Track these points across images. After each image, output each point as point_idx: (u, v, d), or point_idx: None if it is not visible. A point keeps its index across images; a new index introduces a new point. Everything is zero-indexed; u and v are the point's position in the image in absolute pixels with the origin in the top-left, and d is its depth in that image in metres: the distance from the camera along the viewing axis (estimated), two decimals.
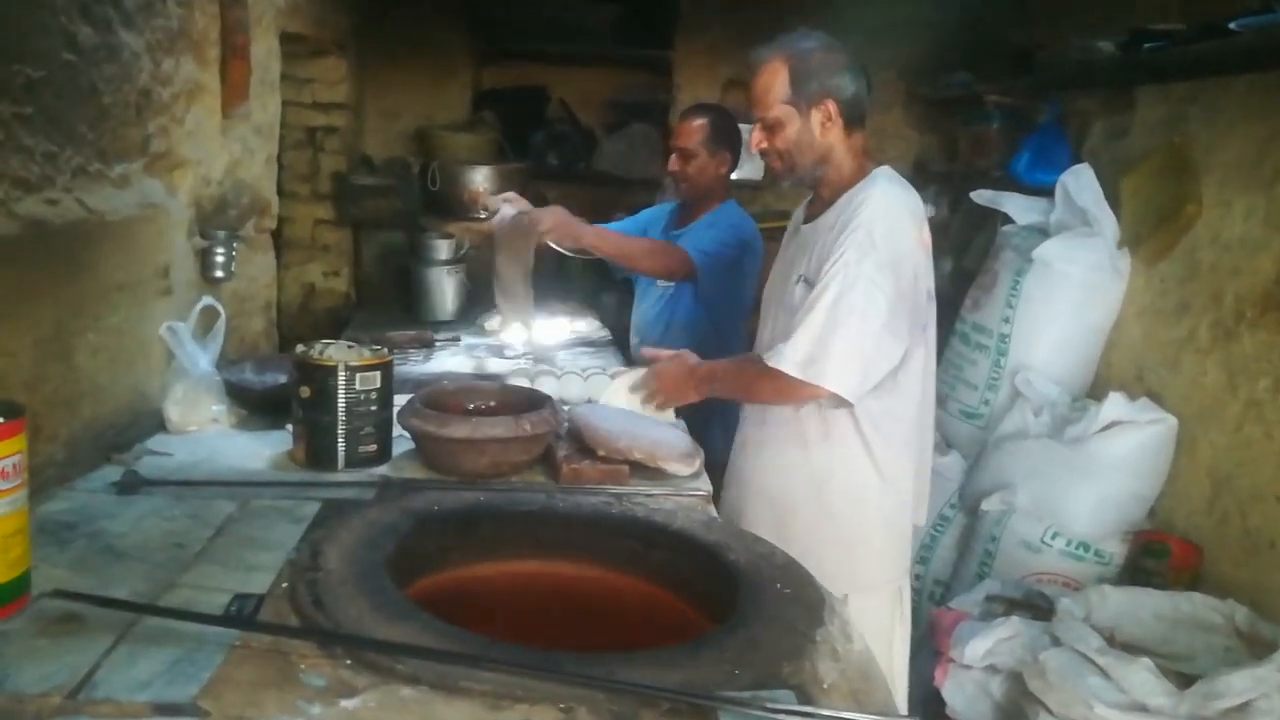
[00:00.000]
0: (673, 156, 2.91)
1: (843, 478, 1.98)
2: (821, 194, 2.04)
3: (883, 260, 1.84)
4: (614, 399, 2.14)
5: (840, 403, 1.90)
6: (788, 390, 1.90)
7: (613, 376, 2.28)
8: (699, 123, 2.88)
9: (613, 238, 2.84)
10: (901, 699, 2.06)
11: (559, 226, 2.71)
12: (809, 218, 2.06)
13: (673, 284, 2.88)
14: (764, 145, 1.99)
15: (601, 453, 1.82)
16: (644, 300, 3.04)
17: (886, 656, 1.96)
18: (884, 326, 1.85)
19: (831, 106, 1.94)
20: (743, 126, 3.31)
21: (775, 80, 1.95)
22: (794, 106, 1.95)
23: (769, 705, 1.09)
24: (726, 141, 2.90)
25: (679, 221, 3.00)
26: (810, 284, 1.91)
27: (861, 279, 1.83)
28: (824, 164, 1.98)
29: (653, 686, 1.09)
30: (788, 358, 1.86)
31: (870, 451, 1.96)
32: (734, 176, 4.44)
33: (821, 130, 1.95)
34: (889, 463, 1.99)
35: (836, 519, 1.99)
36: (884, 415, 1.95)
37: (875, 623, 1.97)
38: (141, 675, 1.07)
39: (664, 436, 1.90)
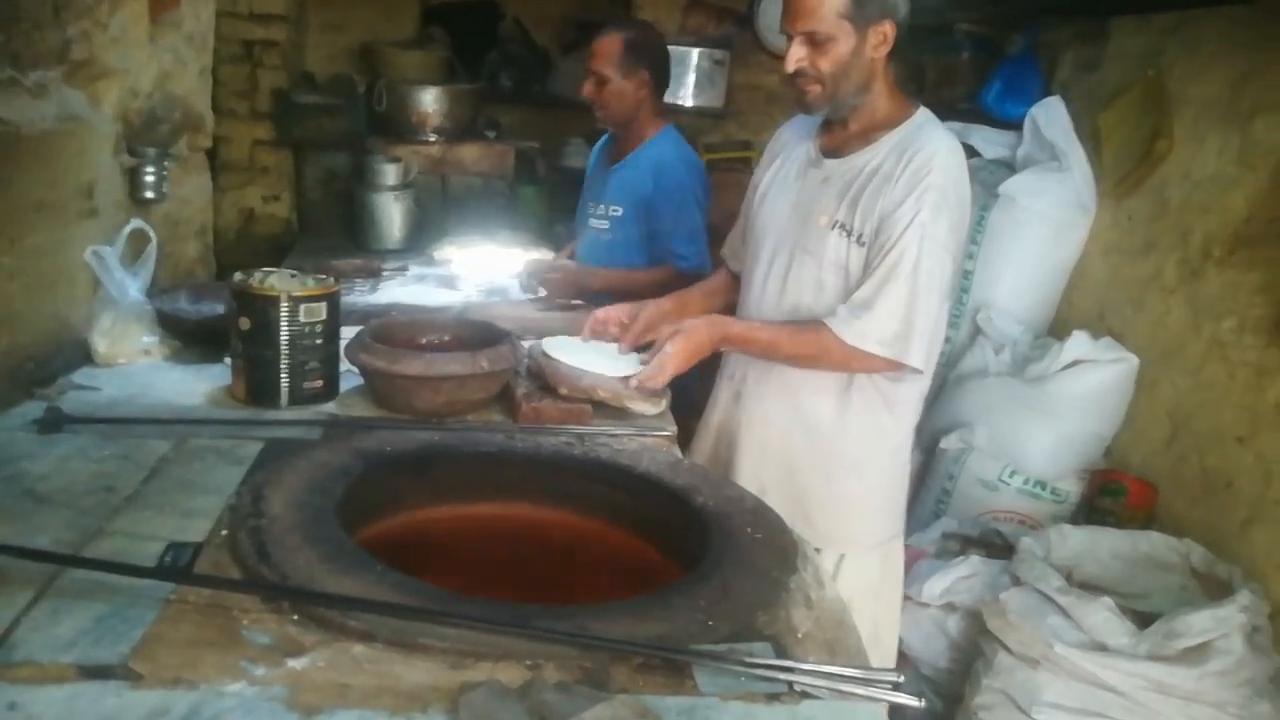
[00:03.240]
0: (587, 82, 2.67)
1: (857, 436, 1.86)
2: (848, 126, 1.84)
3: (954, 222, 1.74)
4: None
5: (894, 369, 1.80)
6: (861, 363, 1.76)
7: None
8: (610, 41, 2.62)
9: (617, 277, 2.65)
10: (891, 656, 2.03)
11: (566, 287, 2.64)
12: (830, 151, 1.86)
13: (608, 221, 2.73)
14: (803, 64, 1.74)
15: (564, 391, 1.74)
16: (584, 238, 2.86)
17: (874, 612, 1.92)
18: (949, 291, 1.79)
19: (889, 28, 1.74)
20: (671, 48, 3.08)
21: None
22: (851, 23, 1.71)
23: (747, 659, 1.04)
24: (645, 59, 2.62)
25: (614, 155, 2.79)
26: (850, 232, 1.76)
27: (936, 244, 1.71)
28: (865, 92, 1.78)
29: (625, 642, 1.03)
30: (872, 335, 1.71)
31: (892, 411, 1.86)
32: (690, 104, 4.37)
33: (873, 54, 1.75)
34: (904, 422, 1.91)
35: (845, 478, 1.88)
36: (907, 376, 1.83)
37: (868, 580, 1.92)
38: (65, 634, 0.99)
39: (629, 374, 1.82)
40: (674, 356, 1.75)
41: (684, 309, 2.00)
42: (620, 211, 2.71)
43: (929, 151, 1.74)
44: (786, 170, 1.93)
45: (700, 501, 1.43)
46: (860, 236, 1.76)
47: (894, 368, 1.76)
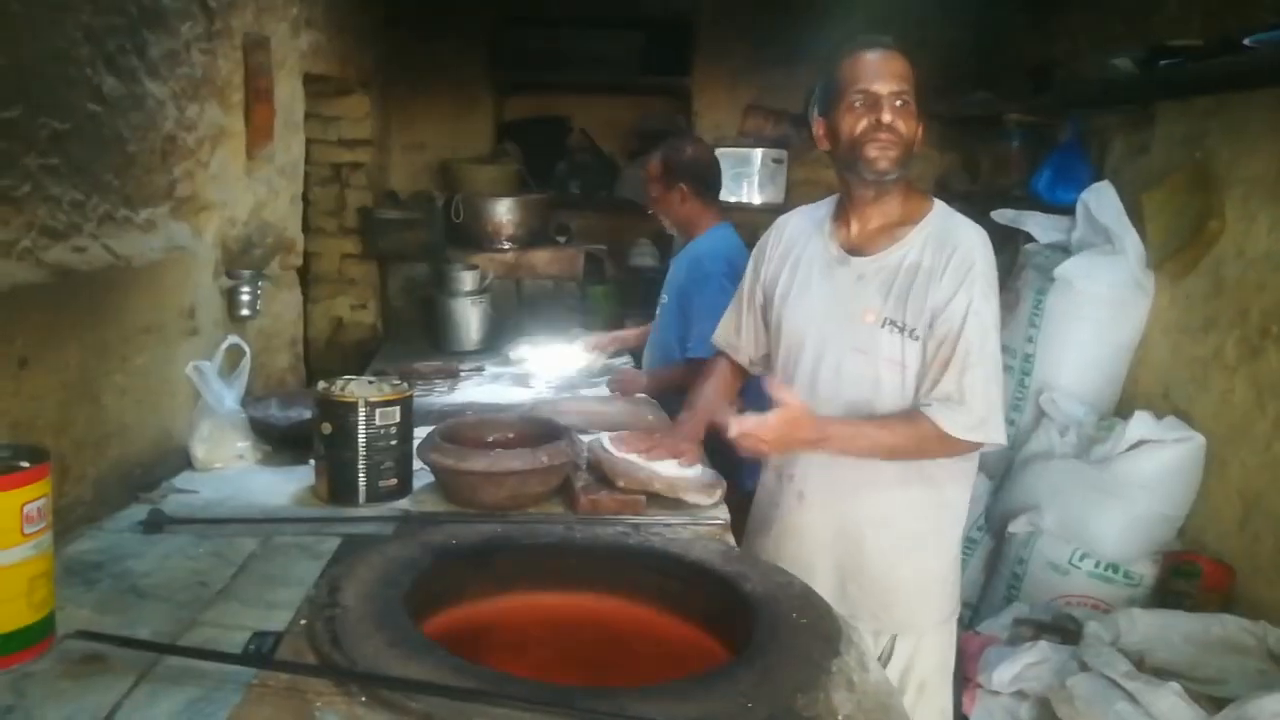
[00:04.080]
0: (647, 200, 3.07)
1: (921, 516, 1.89)
2: (866, 224, 1.89)
3: (996, 302, 1.82)
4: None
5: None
6: (955, 449, 1.80)
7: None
8: (653, 164, 2.98)
9: (659, 376, 2.94)
10: None
11: (627, 389, 2.88)
12: (854, 249, 1.89)
13: (660, 310, 3.03)
14: (895, 122, 1.78)
15: (622, 484, 1.83)
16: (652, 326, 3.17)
17: (945, 690, 1.94)
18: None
19: (922, 128, 1.84)
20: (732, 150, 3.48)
21: (908, 68, 1.80)
22: (917, 104, 1.81)
23: None
24: (679, 173, 2.91)
25: (675, 251, 3.15)
26: (902, 328, 1.80)
27: (991, 327, 1.79)
28: (906, 172, 1.84)
29: None
30: (965, 424, 1.75)
31: (947, 486, 1.90)
32: (756, 201, 4.52)
33: (917, 146, 1.83)
34: (960, 498, 1.95)
35: (917, 559, 1.90)
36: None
37: (941, 658, 1.95)
38: (161, 715, 1.09)
39: (684, 468, 1.90)
40: (774, 437, 1.73)
41: (701, 422, 2.07)
42: (666, 300, 2.97)
43: (968, 243, 1.81)
44: (807, 269, 1.95)
45: (749, 588, 1.48)
46: (913, 331, 1.80)
47: (979, 448, 1.81)
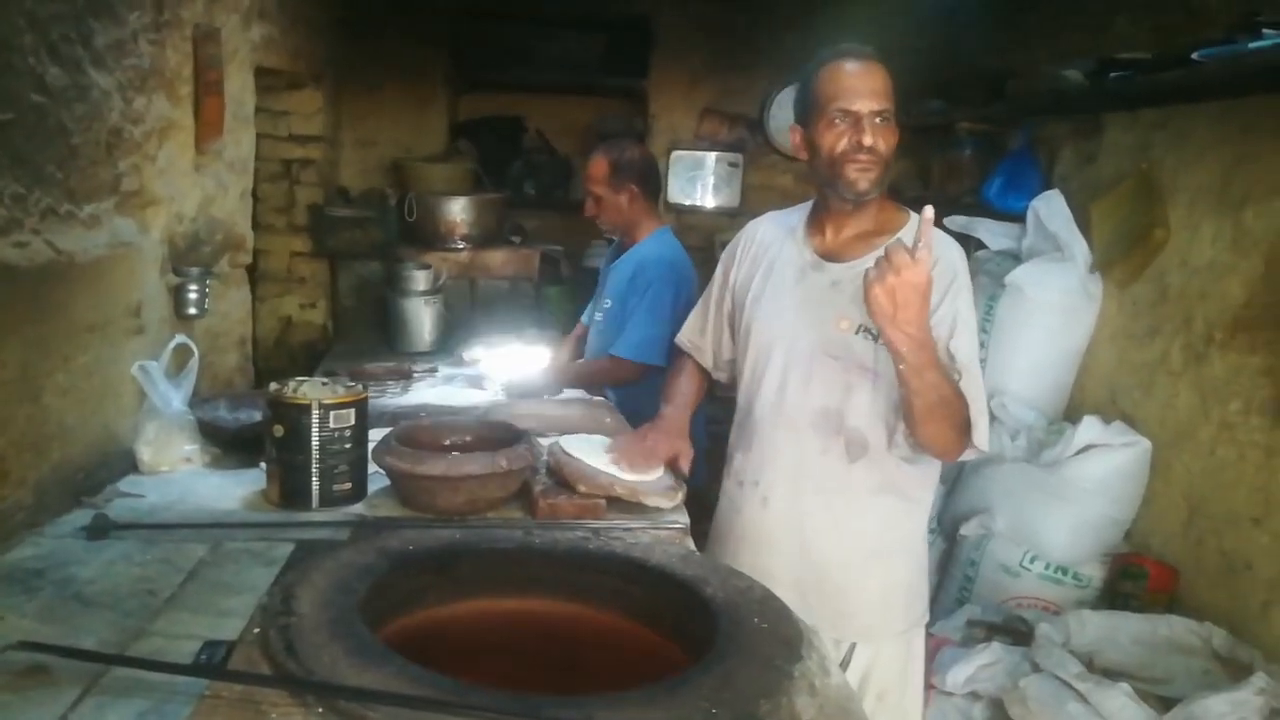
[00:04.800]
0: (588, 201, 2.98)
1: (885, 524, 1.89)
2: (841, 231, 1.88)
3: (973, 310, 1.82)
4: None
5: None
6: (956, 443, 1.76)
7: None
8: (598, 164, 2.92)
9: (569, 374, 2.95)
10: None
11: (544, 392, 2.82)
12: (829, 255, 1.88)
13: (603, 313, 2.98)
14: (873, 141, 1.75)
15: (583, 489, 1.81)
16: (592, 330, 3.11)
17: (902, 701, 1.94)
18: None
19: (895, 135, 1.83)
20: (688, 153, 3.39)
21: (886, 80, 1.78)
22: (895, 113, 1.80)
23: None
24: (628, 174, 2.89)
25: (613, 256, 3.08)
26: (876, 336, 1.75)
27: (975, 336, 1.80)
28: (883, 186, 1.83)
29: None
30: (974, 416, 1.74)
31: (912, 495, 1.90)
32: (709, 205, 4.53)
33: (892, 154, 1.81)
34: (925, 507, 1.95)
35: (877, 568, 1.90)
36: (923, 460, 1.87)
37: (899, 667, 1.94)
38: None
39: (644, 472, 1.89)
40: (913, 287, 1.56)
41: (685, 415, 2.06)
42: (609, 304, 2.94)
43: (949, 255, 1.81)
44: (780, 274, 1.93)
45: (710, 592, 1.48)
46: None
47: (973, 448, 1.77)
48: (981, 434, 1.76)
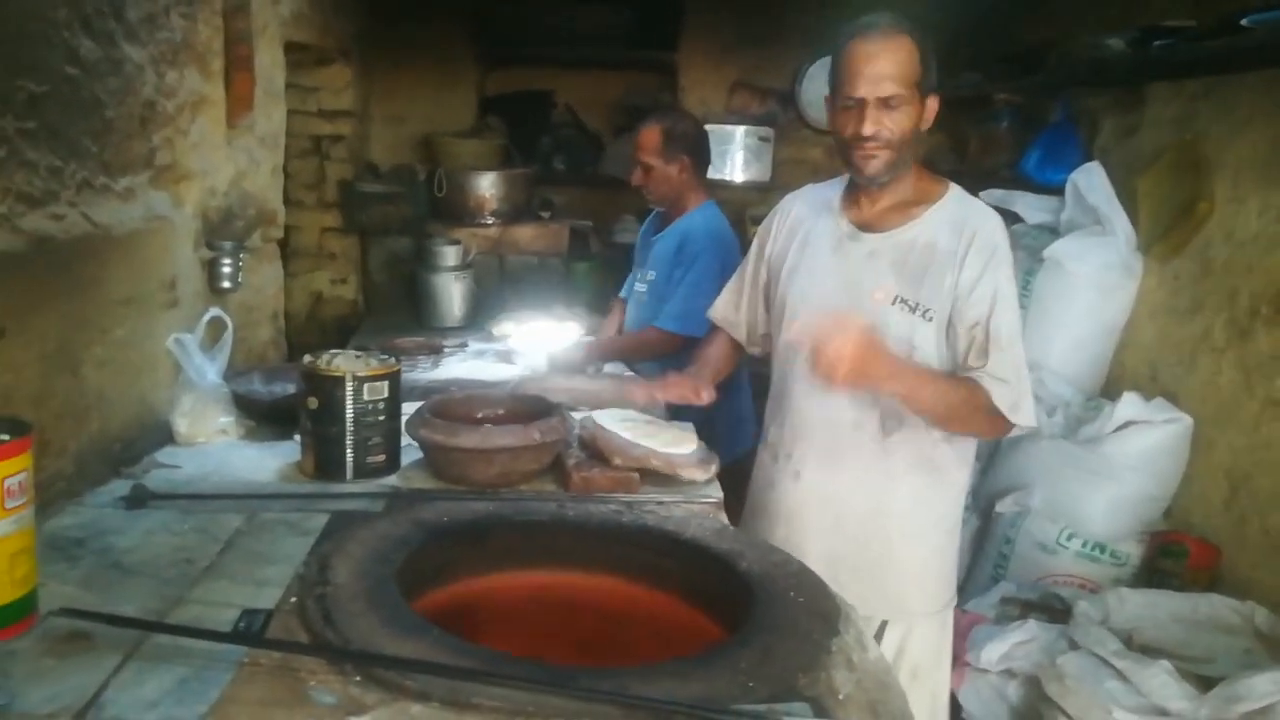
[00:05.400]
0: (635, 170, 2.91)
1: (918, 501, 1.87)
2: (878, 201, 1.86)
3: (1014, 284, 1.81)
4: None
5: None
6: (994, 429, 1.78)
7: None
8: (651, 133, 2.85)
9: (610, 347, 2.93)
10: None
11: (584, 365, 2.78)
12: (865, 226, 1.86)
13: (645, 285, 2.94)
14: (875, 129, 1.73)
15: (617, 461, 1.80)
16: (631, 304, 3.08)
17: (935, 680, 1.93)
18: None
19: (936, 103, 1.79)
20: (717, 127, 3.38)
21: (905, 56, 1.73)
22: (918, 91, 1.74)
23: (785, 719, 1.07)
24: (682, 146, 2.84)
25: (658, 228, 3.01)
26: (914, 308, 1.77)
27: (1016, 310, 1.78)
28: (909, 164, 1.81)
29: (666, 701, 1.08)
30: (1009, 401, 1.73)
31: (946, 473, 1.89)
32: (739, 179, 4.49)
33: (924, 126, 1.78)
34: (962, 485, 1.94)
35: (912, 545, 1.89)
36: (957, 438, 1.87)
37: (932, 647, 1.93)
38: (150, 694, 1.06)
39: (680, 445, 1.87)
40: (851, 362, 1.62)
41: (711, 377, 2.07)
42: (654, 276, 2.90)
43: (989, 227, 1.79)
44: (816, 246, 1.92)
45: (745, 566, 1.47)
46: (927, 312, 1.77)
47: (1013, 428, 1.77)
48: (1025, 412, 1.74)
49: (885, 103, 1.72)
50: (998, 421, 1.74)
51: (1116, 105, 3.09)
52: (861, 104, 1.73)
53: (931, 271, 1.77)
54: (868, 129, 1.73)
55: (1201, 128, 2.65)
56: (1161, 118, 2.87)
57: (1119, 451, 2.59)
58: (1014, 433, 1.79)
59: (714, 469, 1.85)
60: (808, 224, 1.96)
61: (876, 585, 1.86)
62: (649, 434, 1.87)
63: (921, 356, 1.77)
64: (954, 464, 1.89)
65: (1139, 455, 2.57)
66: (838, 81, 1.78)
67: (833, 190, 1.96)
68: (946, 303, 1.77)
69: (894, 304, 1.79)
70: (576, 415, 1.99)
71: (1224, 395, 2.49)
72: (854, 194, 1.90)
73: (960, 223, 1.79)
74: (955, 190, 1.86)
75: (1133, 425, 2.60)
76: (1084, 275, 2.85)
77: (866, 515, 1.87)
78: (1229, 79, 2.54)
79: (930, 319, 1.77)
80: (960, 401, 1.73)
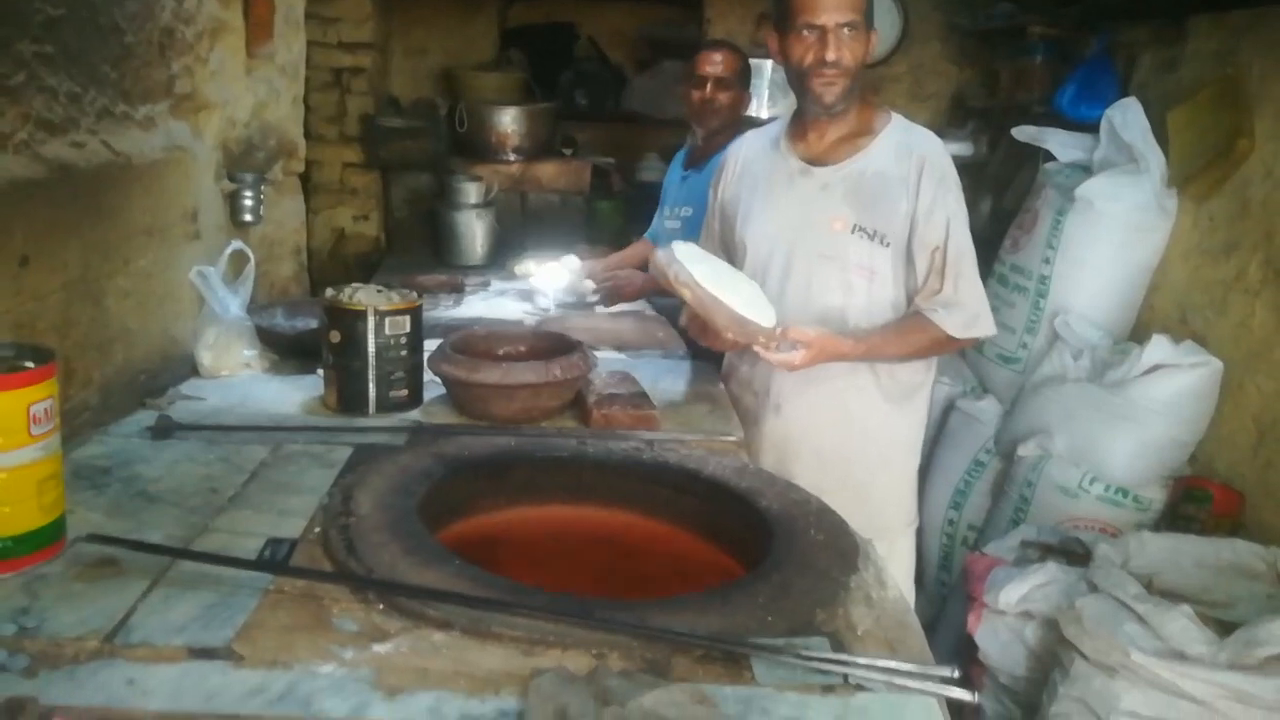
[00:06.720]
0: (707, 85, 2.78)
1: (891, 424, 2.02)
2: (824, 135, 1.92)
3: (963, 201, 1.91)
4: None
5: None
6: (950, 346, 1.96)
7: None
8: (734, 57, 2.83)
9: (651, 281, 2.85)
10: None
11: (624, 293, 2.76)
12: (814, 160, 1.93)
13: (679, 222, 2.86)
14: (838, 55, 1.80)
15: (729, 336, 1.71)
16: (660, 242, 2.98)
17: (906, 589, 2.05)
18: None
19: (875, 37, 1.89)
20: (760, 62, 3.38)
21: None
22: (866, 21, 1.84)
23: (803, 653, 1.08)
24: (749, 80, 2.90)
25: (691, 160, 2.93)
26: (871, 235, 1.87)
27: (967, 228, 1.89)
28: (856, 94, 1.89)
29: (685, 633, 1.08)
30: (965, 323, 1.89)
31: (913, 396, 2.04)
32: (765, 115, 4.41)
33: (868, 58, 1.88)
34: (925, 403, 2.09)
35: (886, 467, 2.04)
36: (919, 362, 2.03)
37: (907, 563, 2.10)
38: (177, 619, 1.08)
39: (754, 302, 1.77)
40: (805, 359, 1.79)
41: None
42: (690, 212, 2.81)
43: (935, 151, 1.89)
44: (769, 183, 1.97)
45: (765, 504, 1.47)
46: (884, 238, 1.87)
47: (977, 342, 2.02)
48: (983, 324, 1.92)
49: (845, 27, 1.80)
50: (958, 342, 1.93)
51: (1156, 39, 2.99)
52: (823, 31, 1.79)
53: (885, 199, 1.87)
54: (830, 54, 1.79)
55: (1244, 62, 2.56)
56: (1202, 52, 2.78)
57: (1145, 395, 2.56)
58: (972, 341, 2.00)
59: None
60: (756, 166, 2.02)
61: (864, 506, 1.87)
62: (731, 284, 1.74)
63: (882, 281, 1.89)
64: (923, 385, 2.05)
65: (1166, 399, 2.54)
66: (793, 10, 1.82)
67: (776, 129, 2.04)
68: (903, 229, 1.87)
69: (853, 232, 1.88)
70: (668, 258, 1.72)
71: (1255, 339, 2.44)
72: (800, 129, 1.96)
73: (907, 150, 1.88)
74: (897, 118, 1.94)
75: (1160, 369, 2.56)
76: (1116, 215, 2.78)
77: (846, 438, 1.99)
78: (1275, 10, 2.45)
79: (888, 245, 1.87)
80: (920, 344, 1.91)
